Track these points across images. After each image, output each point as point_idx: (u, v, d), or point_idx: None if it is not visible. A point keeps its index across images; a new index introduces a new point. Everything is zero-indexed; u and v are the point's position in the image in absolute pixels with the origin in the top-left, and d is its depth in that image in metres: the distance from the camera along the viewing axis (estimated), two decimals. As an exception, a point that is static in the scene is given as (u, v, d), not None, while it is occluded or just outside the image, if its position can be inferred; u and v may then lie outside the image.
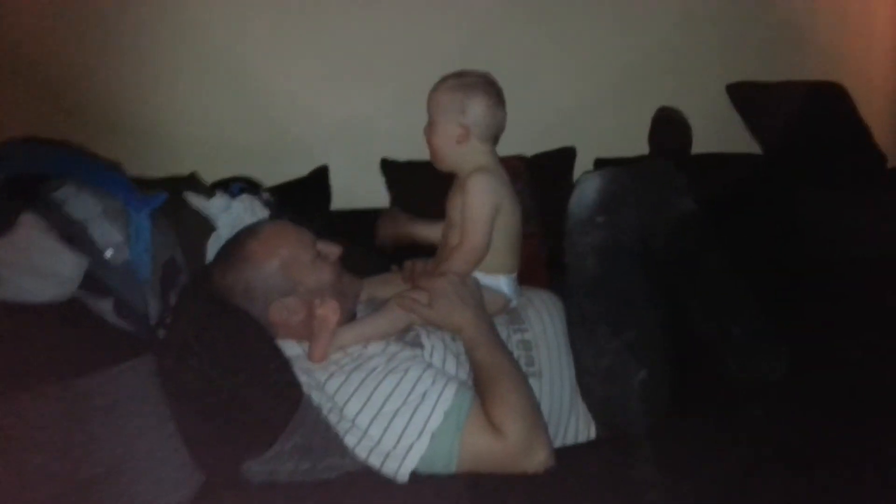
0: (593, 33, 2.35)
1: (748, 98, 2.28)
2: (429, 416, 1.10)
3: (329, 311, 1.22)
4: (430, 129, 1.39)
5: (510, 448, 1.10)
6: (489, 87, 1.38)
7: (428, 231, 1.54)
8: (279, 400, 1.13)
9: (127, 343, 1.22)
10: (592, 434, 1.34)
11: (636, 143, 2.22)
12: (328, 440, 1.13)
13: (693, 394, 1.34)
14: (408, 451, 1.10)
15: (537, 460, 1.11)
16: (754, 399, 1.37)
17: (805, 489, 1.14)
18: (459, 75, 1.39)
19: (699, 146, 2.21)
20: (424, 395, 1.12)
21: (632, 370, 1.27)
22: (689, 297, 1.40)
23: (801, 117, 2.16)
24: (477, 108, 1.36)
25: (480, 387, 1.18)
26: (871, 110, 2.25)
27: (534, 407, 1.16)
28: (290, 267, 1.24)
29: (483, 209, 1.32)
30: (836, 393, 1.39)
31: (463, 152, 1.37)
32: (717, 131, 2.26)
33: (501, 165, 1.40)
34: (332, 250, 1.31)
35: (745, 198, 1.97)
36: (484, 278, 1.35)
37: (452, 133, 1.36)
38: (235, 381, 1.11)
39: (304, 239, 1.29)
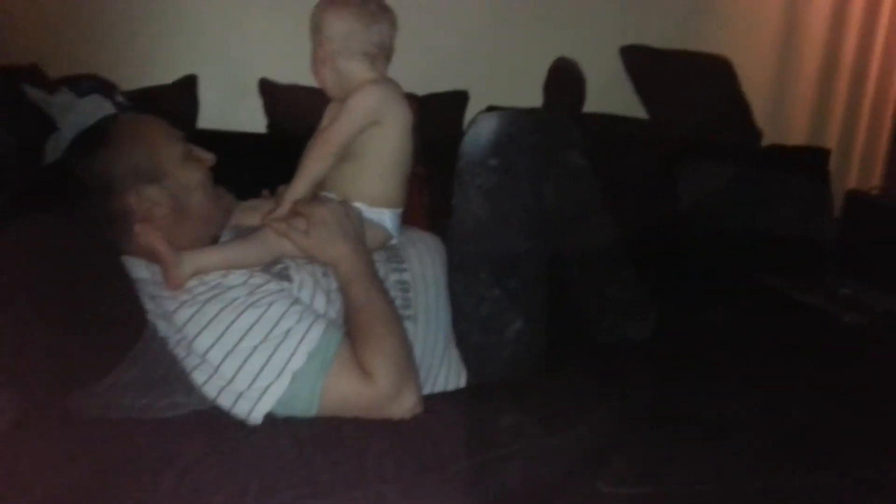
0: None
1: (640, 62, 2.30)
2: (290, 356, 1.02)
3: (152, 241, 1.08)
4: (317, 50, 1.26)
5: (379, 393, 1.04)
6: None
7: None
8: (118, 326, 1.00)
9: None
10: (463, 382, 1.29)
11: (529, 94, 2.18)
12: (172, 376, 1.02)
13: (563, 349, 1.33)
14: (263, 392, 1.00)
15: (405, 406, 1.06)
16: (621, 356, 1.40)
17: (666, 444, 1.17)
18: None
19: (590, 105, 2.20)
20: (288, 332, 1.03)
21: (509, 320, 1.25)
22: (570, 253, 1.39)
23: (688, 87, 2.21)
24: (337, 24, 1.23)
25: (352, 326, 1.10)
26: (753, 88, 2.33)
27: (406, 351, 1.11)
28: (157, 154, 1.13)
29: (356, 112, 1.21)
30: (699, 356, 1.44)
31: (339, 77, 1.25)
32: (609, 92, 2.26)
33: (399, 89, 1.29)
34: (206, 157, 1.20)
35: (630, 161, 1.99)
36: (367, 211, 1.25)
37: (321, 56, 1.24)
38: (68, 302, 0.97)
39: (175, 133, 1.18)
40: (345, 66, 1.24)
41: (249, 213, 1.29)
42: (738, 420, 1.25)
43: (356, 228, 1.20)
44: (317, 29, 1.24)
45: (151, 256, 1.10)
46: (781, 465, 1.18)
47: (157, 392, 1.01)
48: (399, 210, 1.30)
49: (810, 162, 2.22)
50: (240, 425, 1.00)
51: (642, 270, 1.47)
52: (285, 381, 1.01)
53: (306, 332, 1.04)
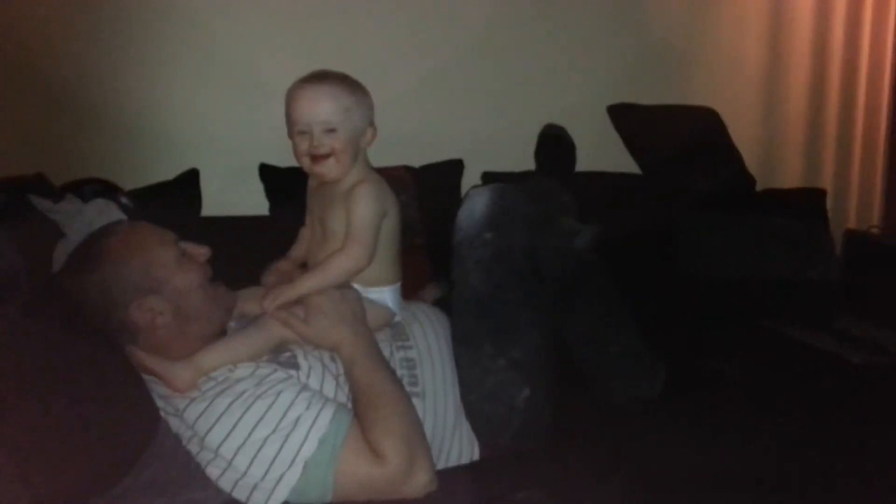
0: (480, 48, 2.35)
1: (627, 120, 2.34)
2: (302, 444, 1.03)
3: (143, 362, 1.10)
4: (327, 139, 1.21)
5: (390, 474, 1.04)
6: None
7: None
8: (131, 429, 1.01)
9: None
10: (476, 454, 1.29)
11: (522, 158, 2.23)
12: (188, 473, 1.03)
13: (574, 413, 1.33)
14: (278, 482, 1.01)
15: (419, 485, 1.06)
16: (633, 418, 1.39)
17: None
18: (341, 77, 1.25)
19: (582, 164, 2.24)
20: (297, 420, 1.04)
21: (516, 389, 1.25)
22: (572, 317, 1.41)
23: (677, 140, 2.25)
24: (362, 106, 1.24)
25: (359, 408, 1.11)
26: (742, 136, 2.37)
27: (416, 429, 1.11)
28: (151, 265, 1.13)
29: (371, 219, 1.22)
30: (712, 409, 1.42)
31: (349, 164, 1.24)
32: (601, 151, 2.30)
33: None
34: (200, 251, 1.20)
35: (625, 217, 2.01)
36: (367, 292, 1.27)
37: (341, 142, 1.21)
38: (80, 410, 0.98)
39: (166, 237, 1.18)
40: (358, 150, 1.25)
41: (252, 302, 1.31)
42: (757, 475, 1.23)
43: (355, 311, 1.22)
44: (341, 112, 1.20)
45: (170, 342, 1.13)
46: None
47: (174, 490, 1.01)
48: (398, 284, 1.32)
49: (807, 203, 2.24)
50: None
51: (646, 327, 1.47)
52: (298, 469, 1.02)
53: (315, 418, 1.05)
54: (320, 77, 1.22)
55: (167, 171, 1.90)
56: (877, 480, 1.21)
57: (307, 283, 1.21)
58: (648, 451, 1.28)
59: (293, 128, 1.21)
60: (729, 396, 1.48)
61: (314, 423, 1.04)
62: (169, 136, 2.03)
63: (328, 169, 1.22)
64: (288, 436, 1.03)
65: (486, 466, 1.26)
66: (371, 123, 1.25)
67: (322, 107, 1.19)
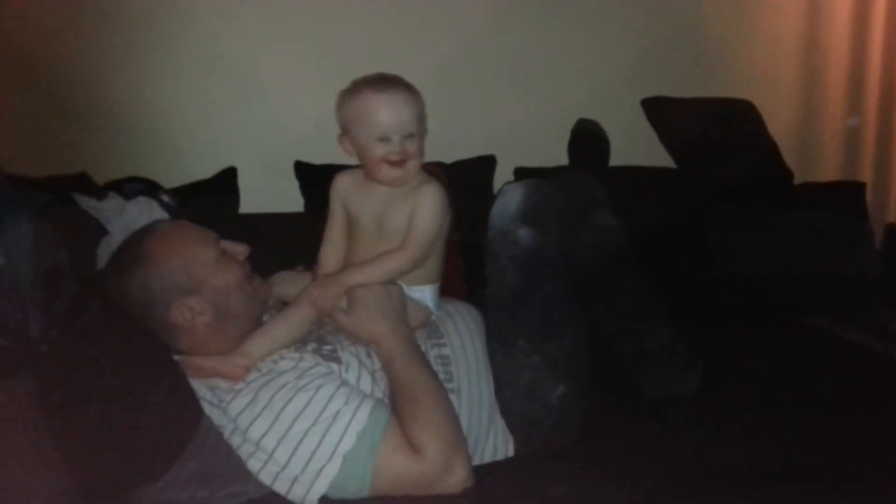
0: (511, 41, 2.33)
1: (662, 113, 2.31)
2: (341, 438, 1.04)
3: (195, 369, 1.13)
4: (408, 144, 1.23)
5: (428, 469, 1.05)
6: None
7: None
8: (175, 422, 1.04)
9: (1, 360, 1.09)
10: (511, 451, 1.30)
11: (555, 153, 2.21)
12: (230, 466, 1.06)
13: (609, 409, 1.33)
14: (317, 475, 1.03)
15: (456, 480, 1.07)
16: (667, 415, 1.38)
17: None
18: (406, 82, 1.27)
19: (616, 159, 2.22)
20: (337, 414, 1.06)
21: (551, 386, 1.25)
22: (606, 313, 1.40)
23: (713, 133, 2.22)
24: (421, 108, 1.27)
25: (397, 404, 1.12)
26: (779, 128, 2.33)
27: (454, 425, 1.12)
28: (192, 265, 1.15)
29: (436, 222, 1.25)
30: (748, 406, 1.41)
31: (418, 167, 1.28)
32: (634, 145, 2.28)
33: None
34: (239, 250, 1.23)
35: (659, 212, 1.99)
36: (409, 290, 1.28)
37: (420, 146, 1.26)
38: (125, 403, 1.02)
39: (207, 237, 1.20)
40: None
41: (288, 284, 1.33)
42: (797, 473, 1.23)
43: (396, 307, 1.23)
44: (418, 119, 1.24)
45: (210, 340, 1.16)
46: None
47: (216, 483, 1.04)
48: (438, 284, 1.33)
49: (847, 197, 2.19)
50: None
51: (683, 323, 1.46)
52: (337, 463, 1.03)
53: (354, 413, 1.07)
54: (393, 83, 1.24)
55: (205, 171, 1.94)
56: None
57: (358, 276, 1.23)
58: (682, 448, 1.27)
59: (371, 133, 1.22)
60: (765, 393, 1.47)
61: (353, 417, 1.06)
62: (204, 136, 2.07)
63: (406, 173, 1.24)
64: (328, 429, 1.05)
65: (520, 463, 1.26)
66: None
67: (405, 114, 1.22)
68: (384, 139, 1.21)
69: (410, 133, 1.22)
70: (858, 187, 2.24)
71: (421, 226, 1.23)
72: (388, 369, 1.17)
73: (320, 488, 1.03)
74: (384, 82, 1.24)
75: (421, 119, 1.24)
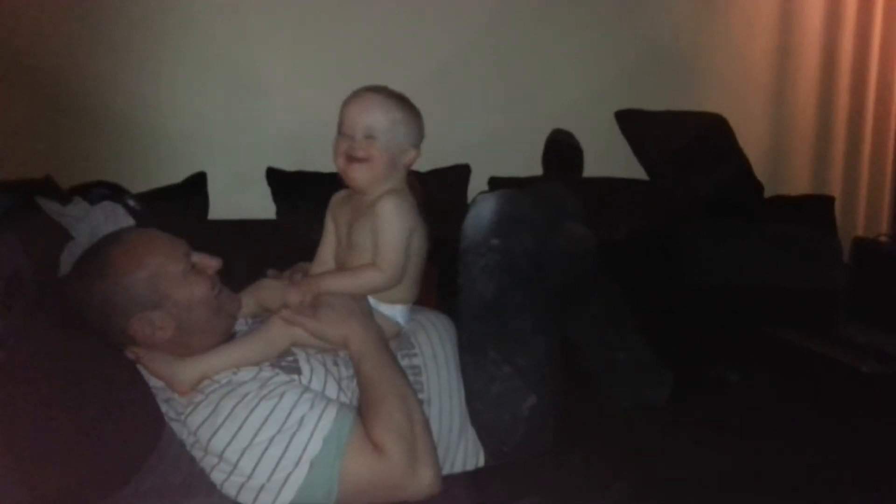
0: (486, 52, 2.35)
1: (635, 125, 2.34)
2: (307, 443, 1.03)
3: (145, 365, 1.11)
4: (366, 144, 1.22)
5: (393, 468, 1.04)
6: None
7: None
8: (135, 435, 1.02)
9: None
10: (481, 461, 1.29)
11: (530, 164, 2.22)
12: (192, 479, 1.03)
13: (579, 420, 1.32)
14: (284, 483, 1.01)
15: (422, 482, 1.05)
16: (637, 424, 1.39)
17: None
18: (398, 94, 1.26)
19: (590, 170, 2.23)
20: (302, 420, 1.04)
21: (521, 396, 1.24)
22: (577, 324, 1.41)
23: (685, 146, 2.24)
24: (422, 128, 1.27)
25: (364, 403, 1.11)
26: (750, 142, 2.36)
27: (419, 426, 1.10)
28: (157, 279, 1.12)
29: (398, 232, 1.22)
30: (718, 416, 1.41)
31: (392, 175, 1.26)
32: (608, 156, 2.30)
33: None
34: (210, 263, 1.19)
35: (632, 223, 2.01)
36: (379, 306, 1.27)
37: (402, 154, 1.25)
38: (84, 414, 0.99)
39: (177, 249, 1.16)
40: (395, 167, 1.25)
41: (268, 292, 1.30)
42: (763, 481, 1.23)
43: (363, 308, 1.22)
44: (386, 123, 1.21)
45: (181, 349, 1.12)
46: None
47: (178, 496, 1.01)
48: (409, 305, 1.32)
49: (815, 211, 2.22)
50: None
51: (652, 333, 1.47)
52: (304, 468, 1.02)
53: (320, 417, 1.05)
54: (378, 89, 1.25)
55: (174, 175, 1.91)
56: (882, 487, 1.20)
57: (332, 283, 1.22)
58: (653, 457, 1.27)
59: (339, 128, 1.23)
60: (734, 403, 1.48)
61: (318, 421, 1.05)
62: (175, 139, 2.04)
63: (359, 173, 1.23)
64: (293, 435, 1.03)
65: (491, 473, 1.25)
66: (416, 145, 1.26)
67: (369, 113, 1.21)
68: (346, 134, 1.22)
69: (372, 134, 1.21)
70: (827, 201, 2.27)
71: (384, 238, 1.21)
72: (357, 369, 1.16)
73: (288, 495, 1.01)
74: (371, 87, 1.25)
75: (393, 127, 1.22)
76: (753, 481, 1.23)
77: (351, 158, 1.21)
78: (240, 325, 1.25)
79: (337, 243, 1.32)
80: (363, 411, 1.10)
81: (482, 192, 1.40)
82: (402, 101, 1.25)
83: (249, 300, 1.28)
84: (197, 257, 1.18)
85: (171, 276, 1.13)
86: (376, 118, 1.21)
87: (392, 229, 1.21)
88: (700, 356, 1.66)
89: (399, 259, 1.22)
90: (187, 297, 1.13)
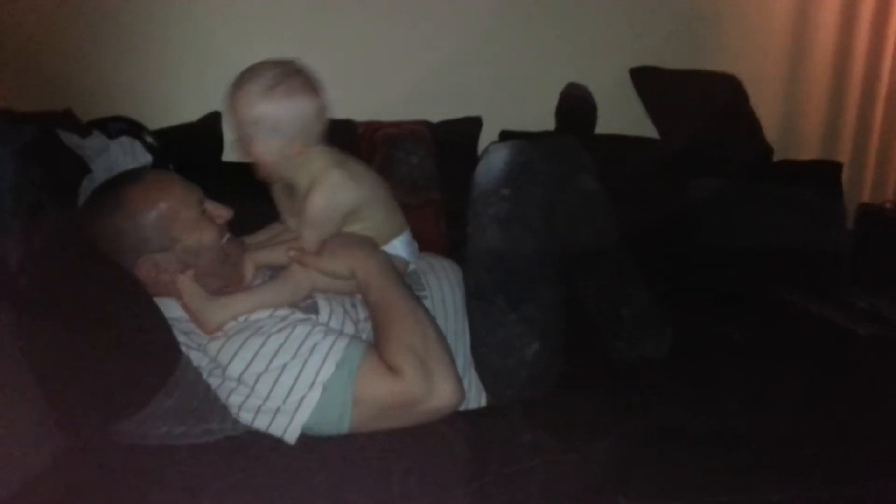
0: (501, 5, 2.32)
1: (649, 83, 2.32)
2: (320, 367, 1.06)
3: (183, 288, 1.14)
4: (246, 144, 1.20)
5: (409, 387, 1.06)
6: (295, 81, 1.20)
7: (270, 256, 1.33)
8: (154, 359, 1.05)
9: None
10: (483, 404, 1.33)
11: (542, 118, 2.22)
12: (207, 404, 1.07)
13: (581, 368, 1.36)
14: (298, 405, 1.05)
15: (442, 395, 1.08)
16: (639, 376, 1.42)
17: (684, 459, 1.19)
18: (265, 81, 1.17)
19: (602, 127, 2.23)
20: (314, 347, 1.08)
21: (526, 343, 1.27)
22: (584, 277, 1.43)
23: (697, 106, 2.23)
24: (306, 116, 1.20)
25: (376, 332, 1.15)
26: (763, 104, 2.35)
27: (433, 341, 1.13)
28: (168, 221, 1.15)
29: (321, 221, 1.23)
30: (717, 373, 1.46)
31: (304, 156, 1.23)
32: (620, 113, 2.29)
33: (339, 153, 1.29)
34: (221, 213, 1.22)
35: (642, 181, 2.01)
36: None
37: (287, 147, 1.20)
38: (106, 338, 1.02)
39: (191, 194, 1.19)
40: (285, 159, 1.21)
41: (269, 251, 1.33)
42: (756, 434, 1.28)
43: (365, 239, 1.25)
44: (250, 124, 1.17)
45: (171, 295, 1.16)
46: (801, 479, 1.19)
47: (193, 420, 1.05)
48: (406, 232, 1.34)
49: (822, 176, 2.22)
50: (272, 449, 1.05)
51: (656, 289, 1.49)
52: (317, 391, 1.05)
53: (332, 345, 1.09)
54: (248, 78, 1.18)
55: (190, 114, 1.90)
56: (873, 446, 1.24)
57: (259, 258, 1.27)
58: (652, 406, 1.31)
59: None
60: (735, 362, 1.51)
61: (331, 348, 1.08)
62: (191, 77, 2.02)
63: (258, 172, 1.25)
64: (306, 361, 1.07)
65: (492, 412, 1.29)
66: (301, 133, 1.19)
67: (234, 114, 1.19)
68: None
69: (242, 135, 1.20)
70: (835, 167, 2.27)
71: (304, 223, 1.23)
72: (366, 299, 1.19)
73: (302, 417, 1.05)
74: (244, 76, 1.19)
75: (262, 132, 1.17)
76: (746, 434, 1.27)
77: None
78: (258, 280, 1.29)
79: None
80: (376, 340, 1.14)
81: (494, 143, 1.41)
82: (269, 89, 1.16)
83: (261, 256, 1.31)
84: (210, 205, 1.21)
85: (183, 221, 1.16)
86: (236, 115, 1.18)
87: (311, 218, 1.22)
88: (704, 314, 1.68)
89: (313, 243, 1.23)
90: (196, 243, 1.17)
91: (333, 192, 1.23)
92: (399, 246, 1.33)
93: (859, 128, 2.64)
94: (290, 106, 1.17)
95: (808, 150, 2.58)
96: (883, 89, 2.62)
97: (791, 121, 2.57)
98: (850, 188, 2.44)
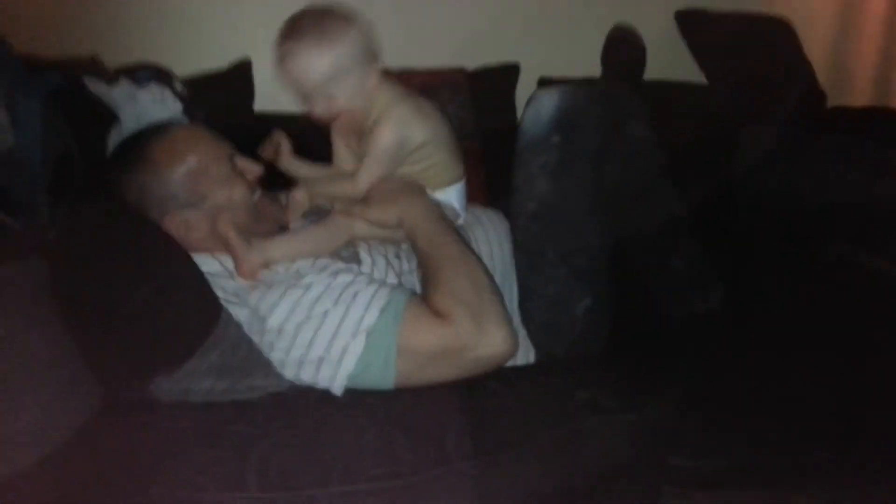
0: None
1: (696, 26, 2.22)
2: (363, 315, 1.01)
3: (223, 228, 1.09)
4: (317, 104, 1.16)
5: (460, 331, 1.01)
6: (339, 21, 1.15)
7: (310, 171, 1.32)
8: (194, 314, 1.01)
9: (10, 242, 1.08)
10: (531, 361, 1.27)
11: (581, 64, 2.11)
12: (250, 359, 1.03)
13: (629, 325, 1.31)
14: (343, 354, 1.00)
15: (494, 341, 1.02)
16: (689, 335, 1.37)
17: (735, 418, 1.18)
18: (315, 34, 1.12)
19: (647, 73, 2.13)
20: (356, 294, 1.03)
21: (577, 298, 1.22)
22: (635, 227, 1.36)
23: (747, 50, 2.13)
24: (362, 40, 1.16)
25: (424, 278, 1.10)
26: (814, 49, 2.24)
27: (484, 287, 1.07)
28: (197, 177, 1.10)
29: (386, 156, 1.19)
30: (765, 330, 1.40)
31: (374, 98, 1.19)
32: (666, 59, 2.19)
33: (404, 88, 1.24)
34: (252, 169, 1.17)
35: (689, 130, 1.93)
36: (433, 193, 1.24)
37: (362, 83, 1.16)
38: (143, 292, 0.98)
39: (220, 150, 1.15)
40: (365, 94, 1.18)
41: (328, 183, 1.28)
42: (809, 393, 1.24)
43: (413, 185, 1.20)
44: (325, 79, 1.13)
45: (218, 246, 1.11)
46: (851, 442, 1.18)
47: (236, 376, 1.01)
48: (462, 181, 1.29)
49: (877, 123, 2.12)
50: (318, 405, 1.01)
51: (707, 242, 1.43)
52: (361, 339, 1.00)
53: (375, 292, 1.04)
54: (293, 37, 1.12)
55: (219, 60, 1.84)
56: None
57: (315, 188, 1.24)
58: (702, 367, 1.26)
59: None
60: (788, 317, 1.45)
61: (374, 295, 1.03)
62: (219, 22, 1.95)
63: (346, 126, 1.21)
64: (349, 308, 1.02)
65: (545, 368, 1.24)
66: (370, 59, 1.16)
67: (297, 82, 1.13)
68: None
69: (312, 97, 1.14)
70: (891, 114, 2.17)
71: (368, 158, 1.19)
72: (414, 246, 1.14)
73: (348, 366, 1.00)
74: (284, 38, 1.13)
75: (333, 80, 1.13)
76: (799, 392, 1.24)
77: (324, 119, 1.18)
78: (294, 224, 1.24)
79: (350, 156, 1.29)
80: (423, 287, 1.08)
81: (542, 88, 1.34)
82: (320, 37, 1.11)
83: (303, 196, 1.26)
84: (240, 161, 1.16)
85: (212, 177, 1.11)
86: (307, 82, 1.13)
87: (377, 153, 1.17)
88: (754, 270, 1.62)
89: (372, 180, 1.19)
90: (226, 200, 1.12)
91: (401, 125, 1.18)
92: (454, 195, 1.27)
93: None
94: (346, 41, 1.12)
95: (860, 97, 2.47)
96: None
97: (842, 66, 2.46)
98: (906, 137, 2.34)
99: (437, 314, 1.02)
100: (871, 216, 1.89)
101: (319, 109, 1.16)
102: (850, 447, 1.18)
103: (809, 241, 1.78)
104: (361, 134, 1.22)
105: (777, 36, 2.18)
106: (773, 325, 1.43)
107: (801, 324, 1.44)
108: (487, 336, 1.01)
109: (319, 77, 1.12)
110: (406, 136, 1.19)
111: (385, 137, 1.17)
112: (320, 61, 1.11)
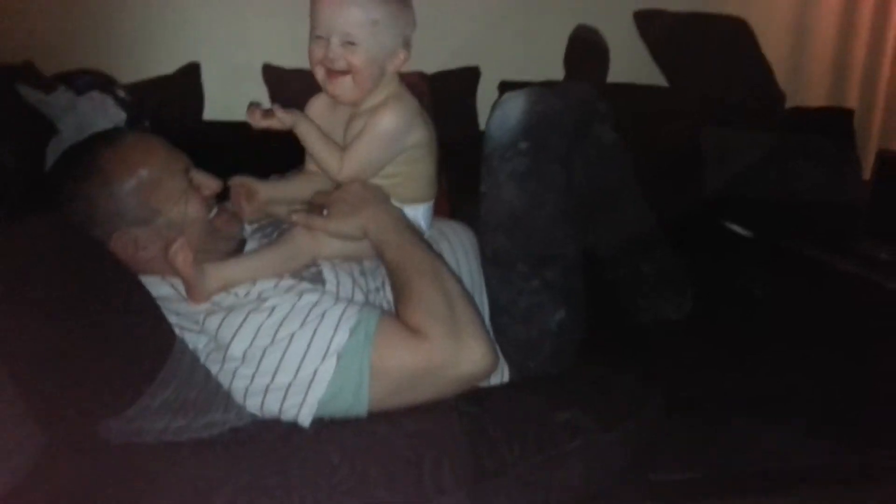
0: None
1: (654, 27, 2.22)
2: (332, 335, 0.95)
3: (177, 250, 0.99)
4: (346, 53, 1.06)
5: (437, 347, 0.95)
6: None
7: (294, 188, 1.21)
8: (144, 345, 0.93)
9: None
10: (506, 377, 1.22)
11: (541, 67, 2.10)
12: (208, 392, 0.96)
13: (601, 336, 1.28)
14: (312, 379, 0.94)
15: (473, 356, 0.97)
16: (660, 339, 1.38)
17: (711, 428, 1.18)
18: None
19: (609, 75, 2.13)
20: (323, 315, 0.97)
21: (550, 311, 1.18)
22: (604, 233, 1.35)
23: (706, 50, 2.14)
24: (412, 22, 1.11)
25: (395, 293, 1.04)
26: (773, 48, 2.26)
27: (458, 299, 1.02)
28: (149, 191, 1.02)
29: (375, 151, 1.10)
30: (737, 333, 1.41)
31: (382, 82, 1.12)
32: (625, 60, 2.18)
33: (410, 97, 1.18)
34: (209, 184, 1.08)
35: (651, 131, 1.93)
36: (403, 209, 1.18)
37: (390, 59, 1.09)
38: (85, 324, 0.90)
39: (176, 161, 1.06)
40: (383, 73, 1.10)
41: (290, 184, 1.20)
42: (783, 398, 1.24)
43: (378, 195, 1.13)
44: (367, 25, 1.05)
45: (170, 268, 1.03)
46: (828, 443, 1.17)
47: (193, 412, 0.94)
48: (431, 202, 1.23)
49: (834, 123, 2.16)
50: (284, 441, 0.94)
51: (674, 246, 1.42)
52: (332, 361, 0.94)
53: (343, 311, 0.98)
54: None
55: (165, 66, 1.76)
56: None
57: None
58: (678, 372, 1.27)
59: (311, 30, 1.07)
60: (758, 320, 1.46)
61: (342, 315, 0.97)
62: (166, 26, 1.87)
63: (343, 90, 1.09)
64: (316, 329, 0.96)
65: (521, 387, 1.19)
66: (405, 45, 1.11)
67: (345, 14, 1.04)
68: (320, 38, 1.06)
69: (352, 41, 1.05)
70: (846, 114, 2.21)
71: (360, 145, 1.10)
72: (382, 258, 1.08)
73: (318, 391, 0.93)
74: None
75: (376, 29, 1.05)
76: (776, 400, 1.24)
77: (331, 73, 1.07)
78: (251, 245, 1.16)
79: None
80: (395, 302, 1.02)
81: (508, 92, 1.30)
82: None
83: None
84: (197, 175, 1.08)
85: (166, 192, 1.03)
86: (355, 20, 1.04)
87: (375, 133, 1.09)
88: (722, 268, 1.63)
89: (359, 171, 1.11)
90: (180, 217, 1.04)
91: (408, 114, 1.11)
92: (420, 213, 1.20)
93: (867, 73, 2.57)
94: (406, 7, 1.09)
95: (816, 97, 2.50)
96: (892, 34, 2.56)
97: (798, 66, 2.49)
98: (861, 135, 2.38)
99: (412, 331, 0.97)
100: (828, 214, 1.93)
101: (333, 56, 1.06)
102: (831, 452, 1.18)
103: (773, 240, 1.80)
104: (352, 117, 1.12)
105: (736, 37, 2.19)
106: (742, 325, 1.44)
107: (773, 323, 1.45)
108: (466, 351, 0.96)
109: (368, 14, 1.04)
110: (409, 126, 1.11)
111: (389, 120, 1.08)
112: (372, 6, 1.04)
